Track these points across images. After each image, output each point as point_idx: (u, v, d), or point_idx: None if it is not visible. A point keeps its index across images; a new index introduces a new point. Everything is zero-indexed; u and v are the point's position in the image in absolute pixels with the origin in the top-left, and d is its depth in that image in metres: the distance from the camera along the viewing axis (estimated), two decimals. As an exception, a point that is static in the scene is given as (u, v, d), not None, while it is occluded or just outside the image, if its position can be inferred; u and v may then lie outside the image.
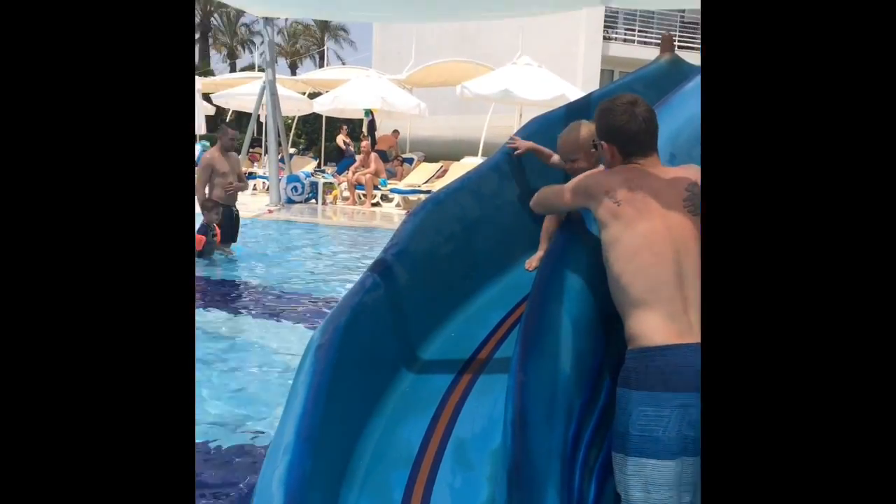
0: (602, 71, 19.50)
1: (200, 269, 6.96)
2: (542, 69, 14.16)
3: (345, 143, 17.43)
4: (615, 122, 2.08)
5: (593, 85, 17.26)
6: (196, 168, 7.61)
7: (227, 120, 21.94)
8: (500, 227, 3.04)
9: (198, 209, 7.16)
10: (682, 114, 2.51)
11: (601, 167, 2.28)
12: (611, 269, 1.99)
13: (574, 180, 2.18)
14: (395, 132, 17.67)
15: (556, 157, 2.79)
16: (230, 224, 7.66)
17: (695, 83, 2.64)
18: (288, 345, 4.73)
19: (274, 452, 1.88)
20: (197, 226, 7.14)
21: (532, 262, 2.69)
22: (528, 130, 3.30)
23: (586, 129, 2.54)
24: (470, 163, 11.93)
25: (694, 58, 3.70)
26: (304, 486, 1.79)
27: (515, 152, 2.90)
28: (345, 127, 18.59)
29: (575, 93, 11.63)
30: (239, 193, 7.68)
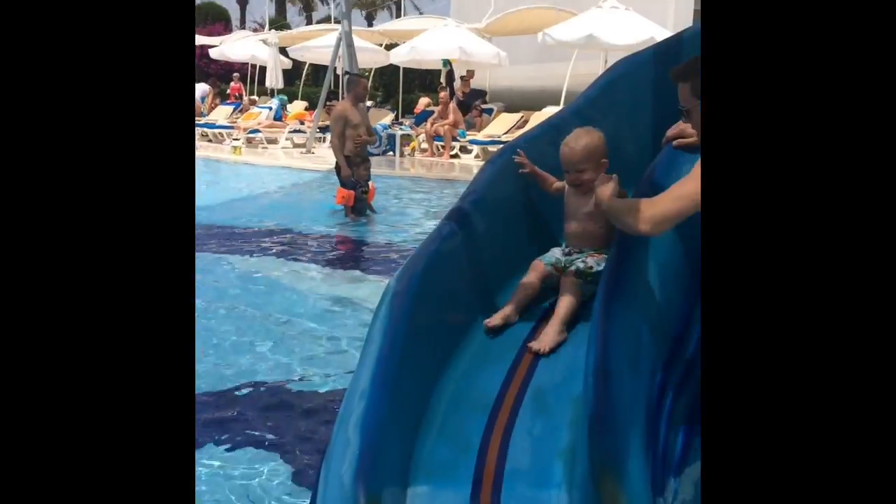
0: (695, 12, 18.53)
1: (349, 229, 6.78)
2: (629, 12, 13.61)
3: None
4: None
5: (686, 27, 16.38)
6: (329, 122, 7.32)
7: (305, 73, 22.12)
8: (582, 174, 2.93)
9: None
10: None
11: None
12: None
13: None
14: (469, 74, 16.92)
15: (557, 184, 2.59)
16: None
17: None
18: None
19: (350, 398, 1.88)
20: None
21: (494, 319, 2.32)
22: (615, 74, 3.16)
23: (598, 136, 2.40)
24: (551, 112, 11.67)
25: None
26: (381, 431, 1.78)
27: (520, 170, 2.62)
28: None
29: (665, 36, 11.11)
30: (316, 146, 7.54)
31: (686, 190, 1.84)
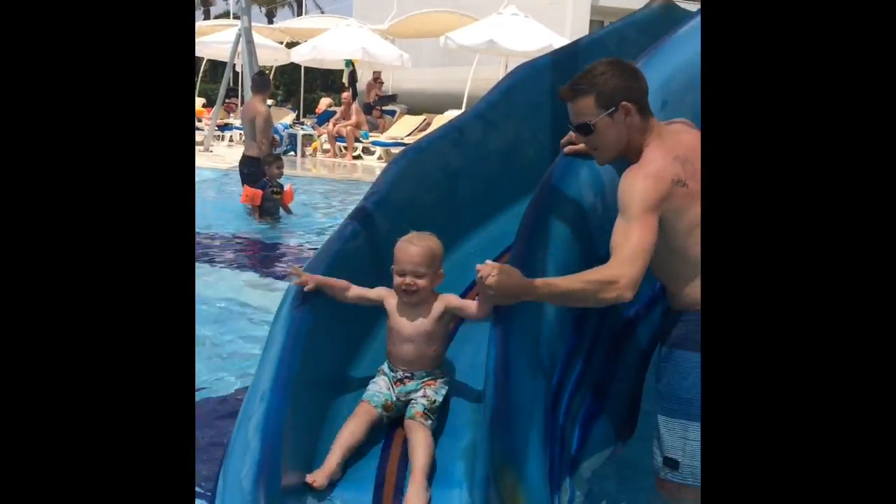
0: (591, 21, 19.15)
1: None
2: (528, 19, 13.92)
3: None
4: (627, 77, 1.94)
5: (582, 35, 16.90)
6: (258, 121, 6.94)
7: (202, 69, 21.44)
8: (484, 177, 2.98)
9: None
10: (674, 59, 2.44)
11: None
12: (673, 241, 1.89)
13: (638, 203, 1.84)
14: (376, 76, 16.87)
15: (355, 290, 2.18)
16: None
17: (687, 28, 2.57)
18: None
19: (251, 399, 1.83)
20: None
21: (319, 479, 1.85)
22: (515, 79, 3.23)
23: (440, 244, 2.15)
24: (453, 115, 11.73)
25: (686, 3, 3.62)
26: (281, 433, 1.75)
27: (305, 287, 2.14)
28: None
29: (562, 43, 11.42)
30: (214, 145, 7.30)
31: (637, 244, 1.81)
